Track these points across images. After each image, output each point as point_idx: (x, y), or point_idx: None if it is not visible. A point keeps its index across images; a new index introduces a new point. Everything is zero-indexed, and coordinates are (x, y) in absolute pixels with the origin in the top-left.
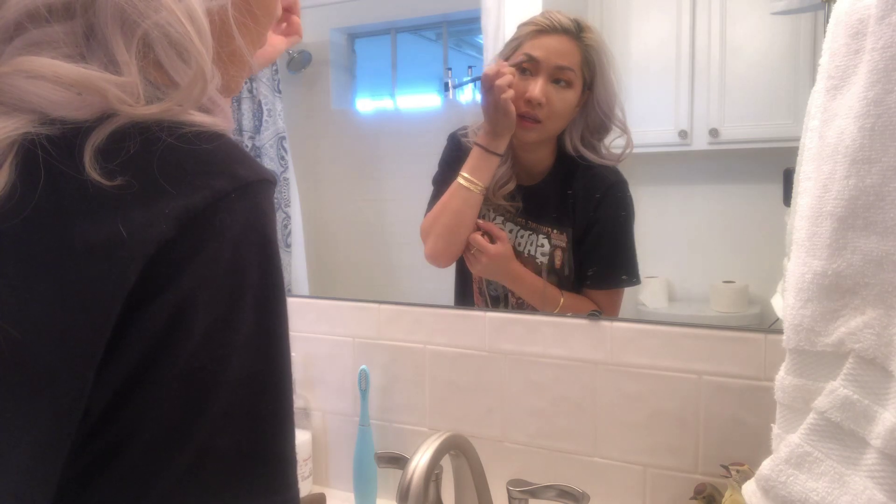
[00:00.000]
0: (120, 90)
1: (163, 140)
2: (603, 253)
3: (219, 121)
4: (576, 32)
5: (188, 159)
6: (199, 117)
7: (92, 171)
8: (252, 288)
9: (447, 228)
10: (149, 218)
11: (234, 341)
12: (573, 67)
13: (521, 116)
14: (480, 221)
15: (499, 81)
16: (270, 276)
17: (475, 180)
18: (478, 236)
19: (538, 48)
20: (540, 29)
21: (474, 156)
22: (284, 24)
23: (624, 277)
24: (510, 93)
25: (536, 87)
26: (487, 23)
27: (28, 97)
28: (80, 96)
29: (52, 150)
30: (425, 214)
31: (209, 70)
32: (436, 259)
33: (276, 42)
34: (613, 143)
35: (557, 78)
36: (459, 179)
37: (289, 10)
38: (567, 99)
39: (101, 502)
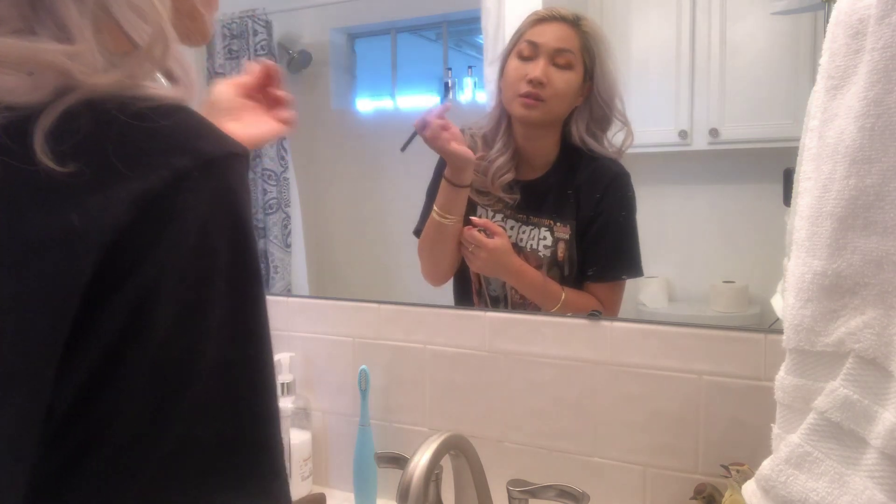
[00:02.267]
0: (72, 59)
1: (117, 118)
2: (607, 244)
3: (180, 91)
4: (574, 21)
5: (145, 138)
6: (158, 90)
7: (43, 158)
8: (223, 271)
9: (431, 255)
10: (104, 204)
11: (207, 328)
12: (572, 50)
13: (524, 96)
14: (476, 219)
15: (427, 134)
16: (243, 257)
17: (446, 214)
18: (474, 232)
19: (537, 34)
20: (539, 18)
21: (442, 190)
22: (277, 112)
23: (628, 269)
24: (445, 135)
25: (537, 68)
26: (487, 23)
27: None
28: (32, 77)
29: (4, 140)
30: (417, 224)
31: (169, 29)
32: (429, 280)
33: (273, 125)
34: (614, 137)
35: (557, 61)
36: (433, 214)
37: (280, 103)
38: (568, 80)
39: (79, 499)
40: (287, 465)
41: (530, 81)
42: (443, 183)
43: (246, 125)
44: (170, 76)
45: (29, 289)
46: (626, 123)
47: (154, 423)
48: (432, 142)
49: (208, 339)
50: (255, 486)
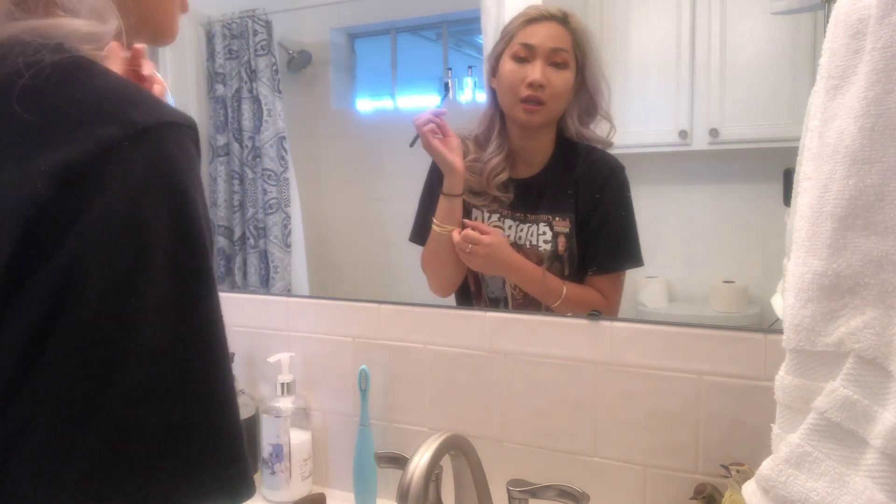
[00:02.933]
0: None
1: (29, 80)
2: (608, 236)
3: (89, 24)
4: (563, 18)
5: (67, 106)
6: (61, 21)
7: None
8: (162, 247)
9: (435, 267)
10: (21, 178)
11: (142, 306)
12: (566, 49)
13: (525, 101)
14: (468, 221)
15: (424, 128)
16: (185, 231)
17: (443, 224)
18: (468, 231)
19: (531, 36)
20: (530, 19)
21: (440, 202)
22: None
23: (629, 259)
24: (430, 127)
25: (536, 71)
26: (487, 23)
27: None
28: None
29: None
30: (411, 231)
31: None
32: (437, 292)
33: None
34: (597, 128)
35: (554, 60)
36: (433, 226)
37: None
38: (566, 79)
39: (19, 489)
40: (287, 464)
41: (530, 84)
42: (440, 197)
43: None
44: (73, 12)
45: None
46: (607, 118)
47: (89, 407)
48: (422, 136)
49: (145, 316)
50: (210, 475)
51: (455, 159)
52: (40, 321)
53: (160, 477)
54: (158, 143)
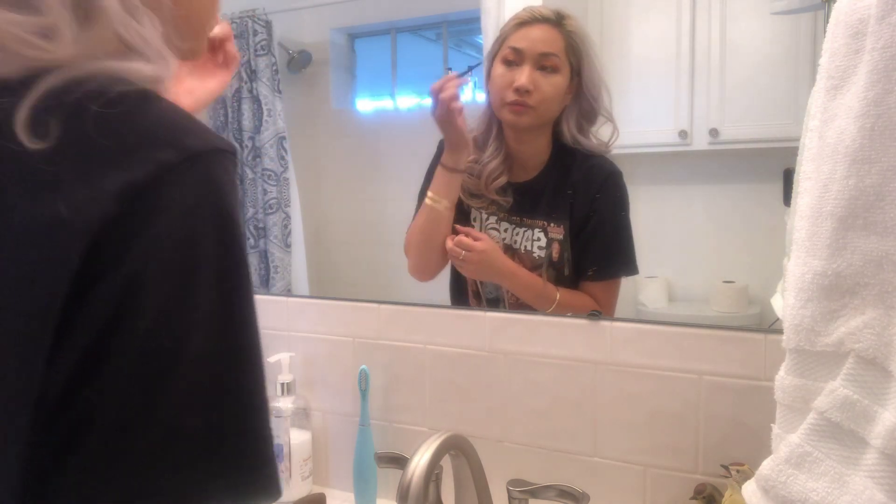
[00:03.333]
0: (27, 31)
1: (98, 106)
2: (603, 243)
3: (155, 68)
4: (556, 21)
5: (129, 131)
6: (133, 68)
7: (26, 144)
8: (210, 263)
9: (420, 246)
10: (90, 195)
11: (193, 318)
12: (557, 53)
13: (512, 104)
14: (459, 227)
15: (443, 95)
16: (230, 250)
17: (438, 198)
18: (461, 237)
19: (521, 39)
20: (521, 21)
21: (437, 174)
22: (221, 57)
23: (624, 266)
24: (458, 104)
25: (523, 76)
26: (487, 23)
27: None
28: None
29: None
30: (411, 223)
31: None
32: (416, 275)
33: (219, 74)
34: (599, 131)
35: (543, 65)
36: (426, 199)
37: (224, 39)
38: (556, 83)
39: (68, 489)
40: (287, 464)
41: (517, 90)
42: (438, 168)
43: (201, 80)
44: (140, 54)
45: (16, 277)
46: (610, 119)
47: (141, 412)
48: (442, 103)
49: (195, 328)
50: (243, 475)
51: (469, 136)
52: (102, 330)
53: (200, 477)
54: (209, 167)
